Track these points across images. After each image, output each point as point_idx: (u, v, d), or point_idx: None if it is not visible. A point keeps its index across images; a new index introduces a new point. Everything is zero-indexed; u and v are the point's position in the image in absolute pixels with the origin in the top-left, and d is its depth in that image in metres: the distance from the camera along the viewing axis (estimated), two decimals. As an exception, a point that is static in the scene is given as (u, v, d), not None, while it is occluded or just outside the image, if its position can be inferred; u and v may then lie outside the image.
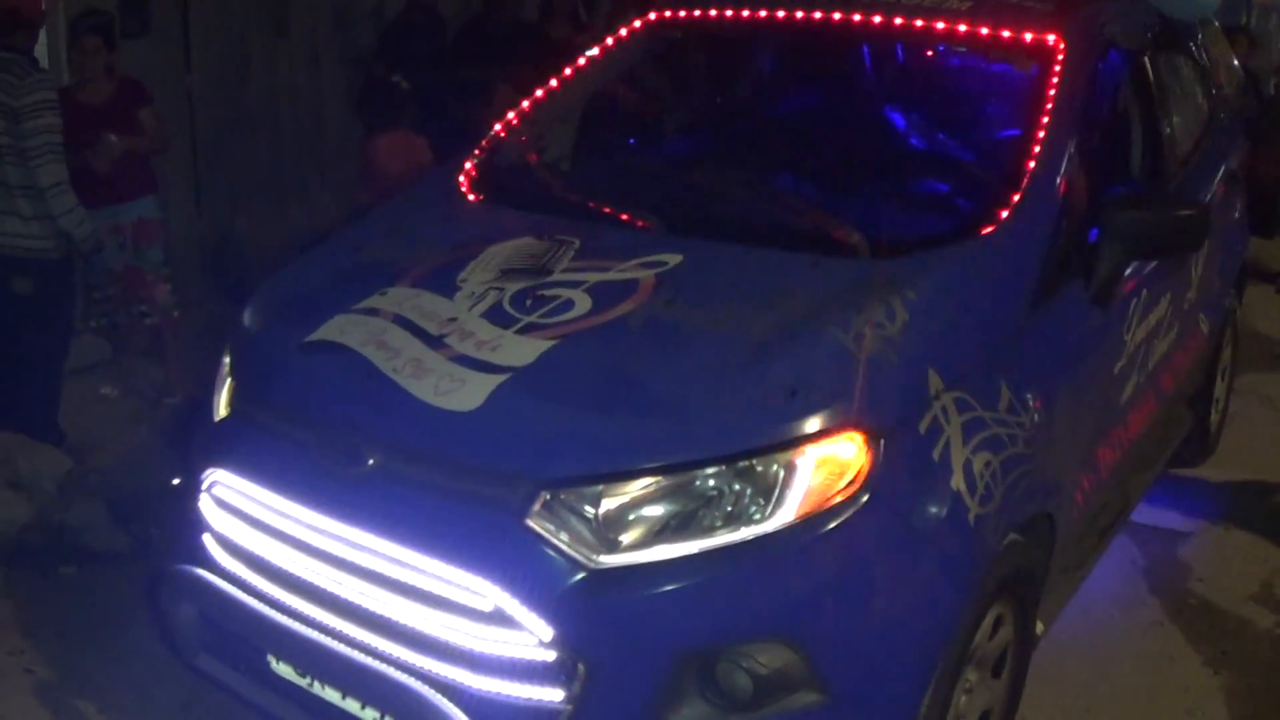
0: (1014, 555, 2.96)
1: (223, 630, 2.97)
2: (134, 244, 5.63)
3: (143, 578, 3.63)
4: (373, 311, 2.99)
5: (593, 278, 2.98)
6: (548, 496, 2.50)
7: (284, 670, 2.88)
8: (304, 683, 2.85)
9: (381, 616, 2.64)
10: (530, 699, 2.51)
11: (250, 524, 2.88)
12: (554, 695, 2.49)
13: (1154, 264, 3.69)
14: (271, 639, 2.85)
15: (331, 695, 2.80)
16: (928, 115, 3.89)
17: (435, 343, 2.82)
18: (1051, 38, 3.55)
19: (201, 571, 2.94)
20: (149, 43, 6.27)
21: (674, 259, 3.04)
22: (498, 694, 2.52)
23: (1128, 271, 3.46)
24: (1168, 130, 4.10)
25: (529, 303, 2.90)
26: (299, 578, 2.79)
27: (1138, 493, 4.23)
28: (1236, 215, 4.87)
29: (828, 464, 2.54)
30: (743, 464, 2.51)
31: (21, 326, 4.74)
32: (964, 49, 3.73)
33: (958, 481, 2.68)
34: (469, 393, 2.64)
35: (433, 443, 2.63)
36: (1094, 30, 3.73)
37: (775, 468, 2.51)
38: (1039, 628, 3.39)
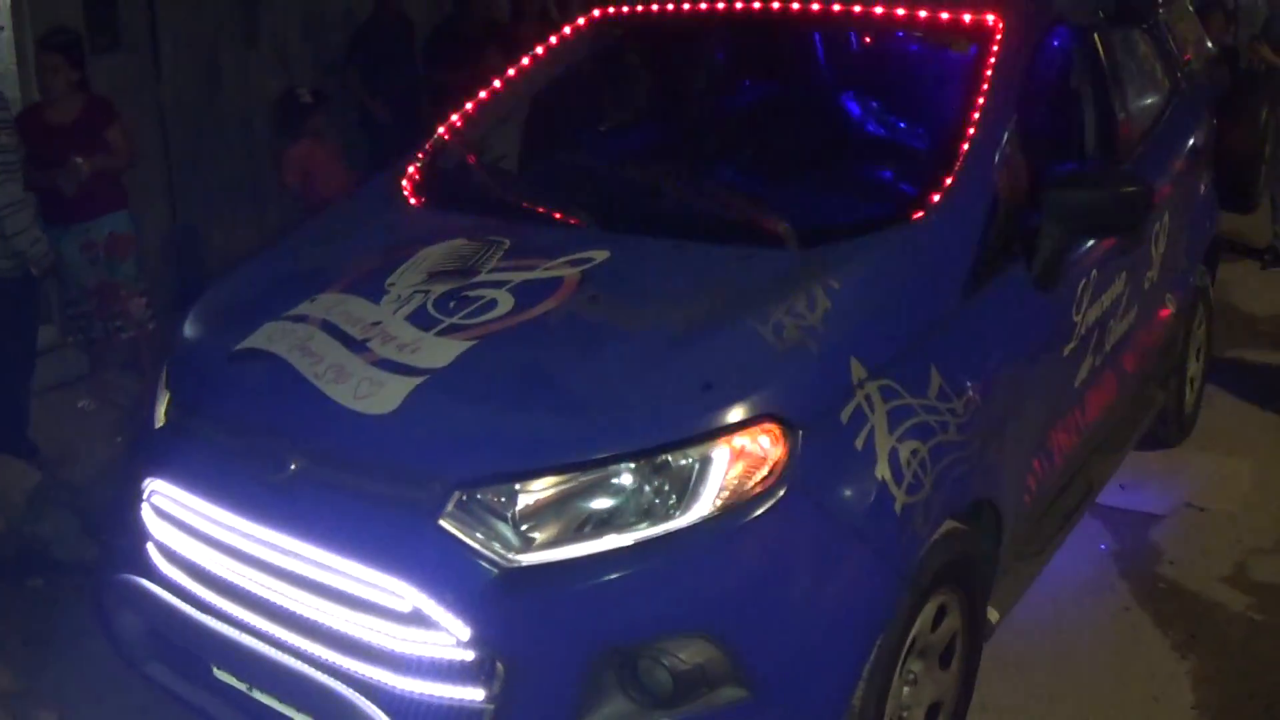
0: (953, 544, 2.96)
1: (167, 638, 3.02)
2: (107, 259, 5.70)
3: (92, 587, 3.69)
4: (301, 318, 3.02)
5: (518, 277, 3.00)
6: (461, 496, 2.52)
7: (225, 677, 2.93)
8: (244, 688, 2.89)
9: (309, 620, 2.68)
10: (452, 699, 2.53)
11: (187, 532, 2.92)
12: (475, 695, 2.52)
13: (1104, 243, 3.68)
14: (210, 646, 2.89)
15: (269, 700, 2.84)
16: (865, 102, 3.90)
17: (358, 347, 2.85)
18: (990, 18, 3.55)
19: (142, 580, 2.99)
20: (119, 57, 6.33)
21: (601, 255, 3.06)
22: (420, 695, 2.55)
23: (1074, 251, 3.45)
24: (1121, 107, 4.09)
25: (453, 304, 2.93)
26: (233, 584, 2.82)
27: (1104, 476, 4.23)
28: (1202, 192, 4.85)
29: (744, 456, 2.55)
30: (657, 458, 2.52)
31: None
32: (903, 32, 3.73)
33: (882, 470, 2.68)
34: (386, 396, 2.67)
35: (351, 446, 2.66)
36: (1036, 9, 3.74)
37: (690, 461, 2.53)
38: (993, 616, 3.40)
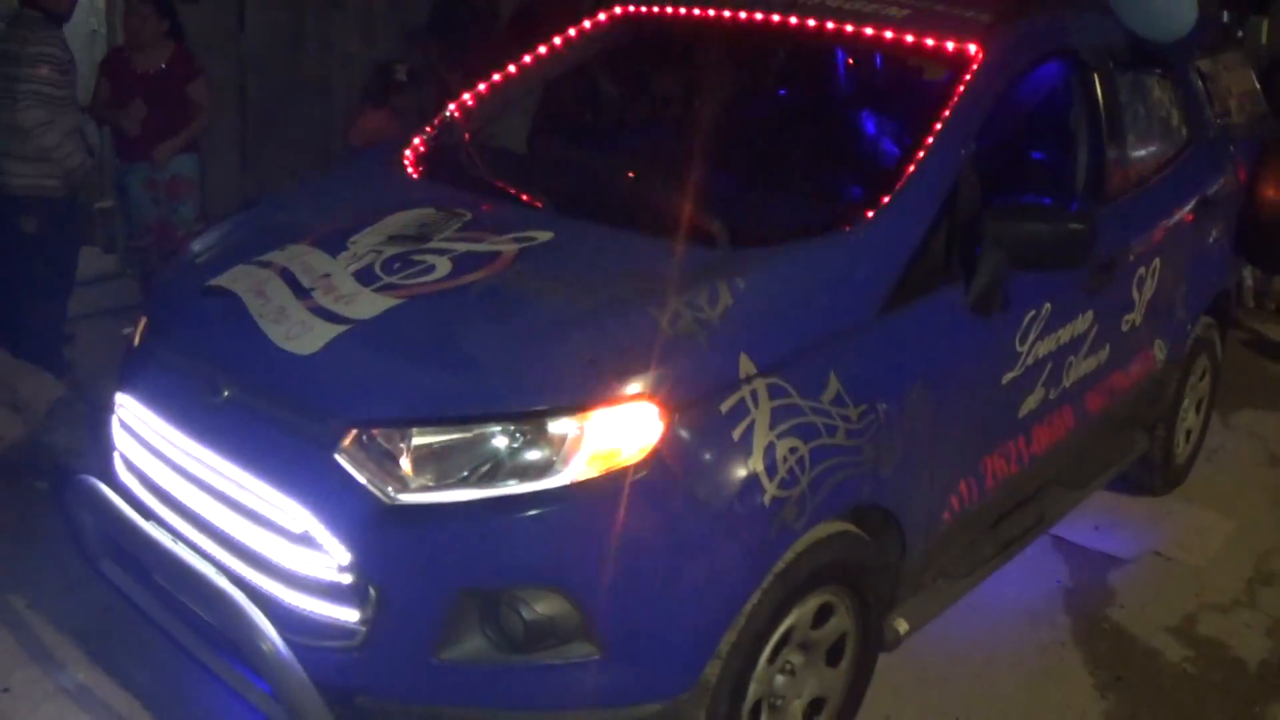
0: (837, 545, 3.22)
1: (115, 540, 3.45)
2: (168, 199, 6.24)
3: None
4: (267, 264, 3.41)
5: (462, 247, 3.35)
6: (358, 435, 2.88)
7: (161, 580, 3.34)
8: (173, 591, 3.30)
9: (224, 532, 3.08)
10: (331, 617, 2.90)
11: (140, 444, 3.36)
12: (351, 615, 2.88)
13: (1061, 277, 3.85)
14: (146, 550, 3.27)
15: (191, 604, 3.24)
16: (841, 117, 4.17)
17: (303, 294, 3.22)
18: (970, 48, 3.79)
19: (99, 483, 3.41)
20: (204, 7, 6.87)
21: (545, 236, 3.39)
22: (305, 610, 2.93)
23: (1018, 281, 3.64)
24: (1115, 148, 4.29)
25: (397, 265, 3.28)
26: (169, 494, 3.24)
27: (1059, 510, 4.42)
28: (1209, 243, 4.99)
29: (617, 431, 2.86)
30: (534, 422, 2.86)
31: (27, 261, 5.38)
32: (889, 56, 3.99)
33: (756, 463, 2.96)
34: (311, 339, 3.05)
35: (273, 380, 3.05)
36: (1020, 44, 3.95)
37: (564, 428, 2.85)
38: (901, 627, 3.64)
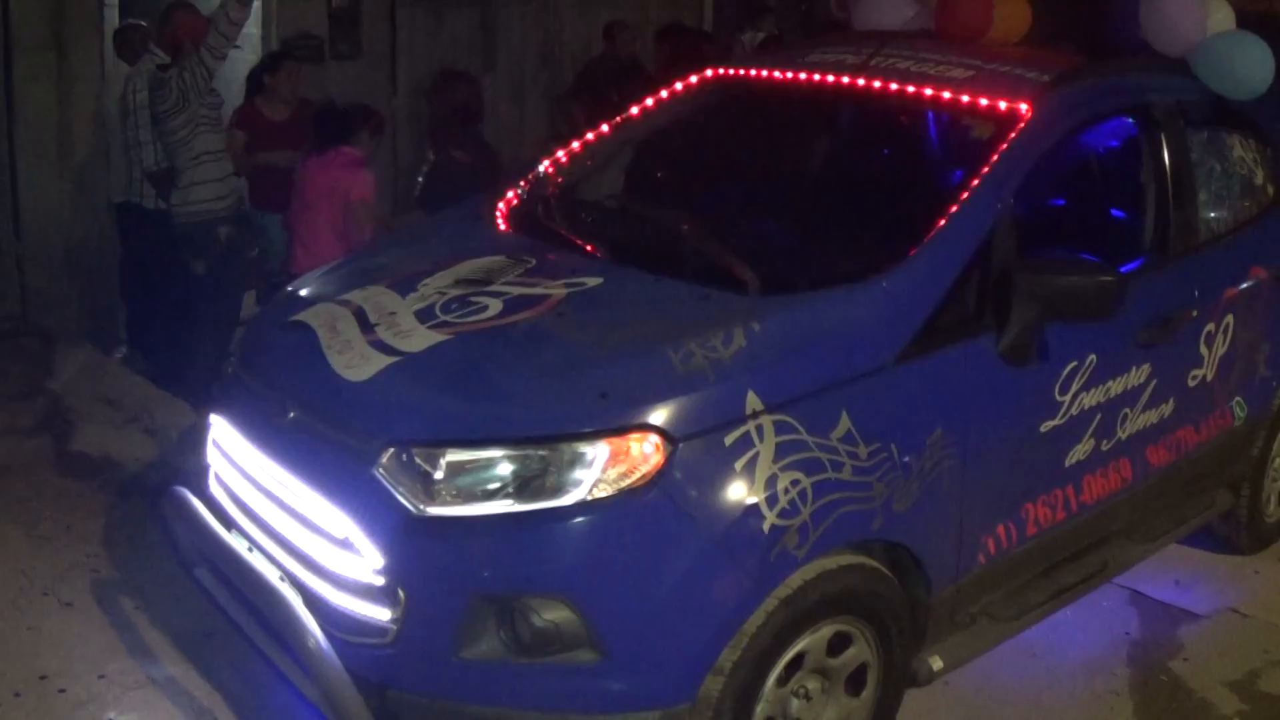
0: (848, 575, 3.46)
1: (200, 548, 3.92)
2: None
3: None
4: (345, 302, 3.87)
5: (516, 290, 3.74)
6: (394, 452, 3.29)
7: (237, 582, 3.80)
8: (246, 592, 3.75)
9: (286, 538, 3.52)
10: (368, 615, 3.30)
11: (227, 460, 3.84)
12: (384, 614, 3.27)
13: (1111, 329, 3.98)
14: (222, 556, 3.71)
15: (259, 602, 3.67)
16: (884, 173, 4.42)
17: (368, 329, 3.66)
18: (1021, 107, 4.01)
19: (188, 493, 3.90)
20: (359, 66, 7.55)
21: (594, 281, 3.76)
22: (347, 608, 3.33)
23: (1061, 333, 3.82)
24: (1179, 206, 4.41)
25: (454, 306, 3.69)
26: (245, 503, 3.72)
27: (1125, 562, 4.51)
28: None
29: (623, 457, 3.18)
30: (549, 446, 3.21)
31: (200, 302, 6.09)
32: (944, 114, 4.24)
33: (757, 492, 3.23)
34: (365, 369, 3.48)
35: (329, 403, 3.48)
36: (1074, 104, 4.14)
37: (575, 453, 3.19)
38: (936, 664, 3.83)
